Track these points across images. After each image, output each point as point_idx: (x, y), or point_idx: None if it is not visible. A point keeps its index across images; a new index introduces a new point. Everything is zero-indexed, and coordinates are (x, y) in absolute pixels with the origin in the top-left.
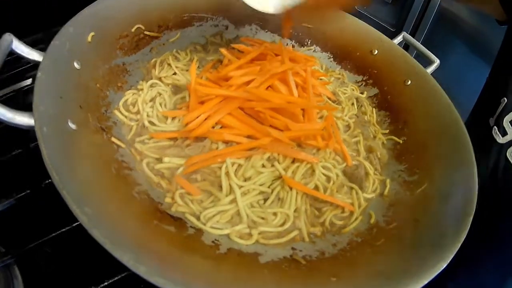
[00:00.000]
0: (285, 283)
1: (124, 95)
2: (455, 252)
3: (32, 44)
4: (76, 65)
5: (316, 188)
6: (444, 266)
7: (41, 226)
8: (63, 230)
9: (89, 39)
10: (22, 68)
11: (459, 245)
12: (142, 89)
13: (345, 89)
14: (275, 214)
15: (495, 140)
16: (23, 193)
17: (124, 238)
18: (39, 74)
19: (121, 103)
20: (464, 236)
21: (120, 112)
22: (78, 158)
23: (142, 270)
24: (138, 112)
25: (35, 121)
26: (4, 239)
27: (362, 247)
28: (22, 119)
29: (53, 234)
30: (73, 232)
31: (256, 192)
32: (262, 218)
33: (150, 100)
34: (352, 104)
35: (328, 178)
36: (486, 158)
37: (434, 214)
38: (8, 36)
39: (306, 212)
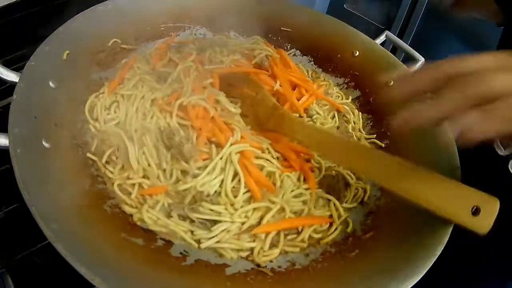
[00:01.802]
0: None
1: None
2: (427, 268)
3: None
4: (51, 84)
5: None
6: (414, 283)
7: (30, 237)
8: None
9: (65, 57)
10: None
11: (434, 259)
12: (104, 92)
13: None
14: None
15: (496, 152)
16: (12, 207)
17: (87, 252)
18: (14, 96)
19: (86, 109)
20: (440, 251)
21: (93, 125)
22: (51, 176)
23: (96, 282)
24: (97, 119)
25: (9, 143)
26: None
27: (335, 258)
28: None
29: (40, 245)
30: None
31: None
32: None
33: (109, 106)
34: (333, 117)
35: (304, 201)
36: (487, 170)
37: (412, 225)
38: None
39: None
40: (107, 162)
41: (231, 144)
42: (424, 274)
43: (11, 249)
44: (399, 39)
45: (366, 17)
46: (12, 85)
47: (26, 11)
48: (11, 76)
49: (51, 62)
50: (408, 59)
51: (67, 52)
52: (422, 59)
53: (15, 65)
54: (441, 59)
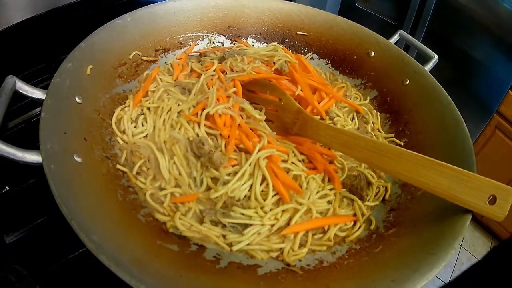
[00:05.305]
0: None
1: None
2: (448, 259)
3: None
4: (77, 99)
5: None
6: (436, 273)
7: (58, 250)
8: (79, 251)
9: (88, 72)
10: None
11: (453, 252)
12: (129, 105)
13: (344, 105)
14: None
15: None
16: (40, 220)
17: (128, 260)
18: (42, 114)
19: (113, 122)
20: (458, 244)
21: (121, 138)
22: (85, 189)
23: None
24: (124, 132)
25: (42, 160)
26: (26, 262)
27: (360, 255)
28: (31, 157)
29: (70, 256)
30: (87, 253)
31: None
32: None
33: (136, 119)
34: (352, 118)
35: (329, 201)
36: None
37: (432, 219)
38: (10, 78)
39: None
40: (137, 173)
41: (259, 150)
42: None
43: (42, 262)
44: (412, 38)
45: (378, 14)
46: (33, 100)
47: (42, 26)
48: (36, 93)
49: (75, 77)
50: (421, 56)
51: (91, 67)
52: (435, 57)
53: (35, 79)
54: (455, 47)
